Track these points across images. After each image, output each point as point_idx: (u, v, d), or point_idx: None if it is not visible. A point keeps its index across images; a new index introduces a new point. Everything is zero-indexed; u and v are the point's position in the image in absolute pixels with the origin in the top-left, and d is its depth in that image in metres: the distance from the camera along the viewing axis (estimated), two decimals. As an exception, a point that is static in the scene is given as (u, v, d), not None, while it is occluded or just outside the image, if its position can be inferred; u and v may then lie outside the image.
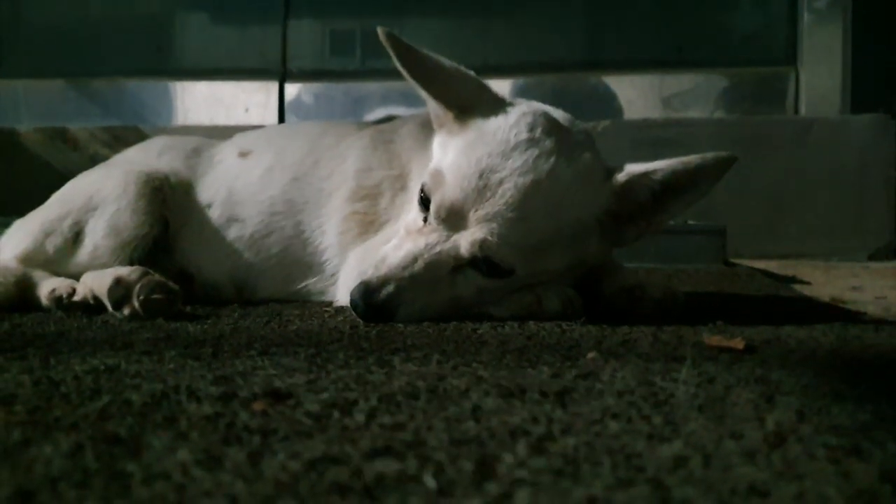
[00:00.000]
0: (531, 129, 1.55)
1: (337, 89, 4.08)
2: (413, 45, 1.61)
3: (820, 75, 3.67)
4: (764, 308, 1.86)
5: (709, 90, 3.84)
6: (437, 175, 1.56)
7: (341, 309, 1.76)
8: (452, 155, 1.57)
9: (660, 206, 1.59)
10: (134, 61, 4.18)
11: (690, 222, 2.92)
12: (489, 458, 0.67)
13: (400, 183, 1.92)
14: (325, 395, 0.89)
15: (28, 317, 1.68)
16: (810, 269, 3.03)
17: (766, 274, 2.67)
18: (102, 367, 1.09)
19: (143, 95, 4.11)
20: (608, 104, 3.88)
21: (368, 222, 1.90)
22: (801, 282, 2.71)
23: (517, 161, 1.51)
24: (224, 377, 1.01)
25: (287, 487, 0.60)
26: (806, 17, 3.69)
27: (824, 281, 2.75)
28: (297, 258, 1.96)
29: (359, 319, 1.55)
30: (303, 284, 1.96)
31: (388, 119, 2.15)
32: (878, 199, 3.46)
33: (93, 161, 3.74)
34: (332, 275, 1.94)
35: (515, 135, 1.54)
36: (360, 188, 1.93)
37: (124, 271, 1.71)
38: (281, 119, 4.05)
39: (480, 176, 1.50)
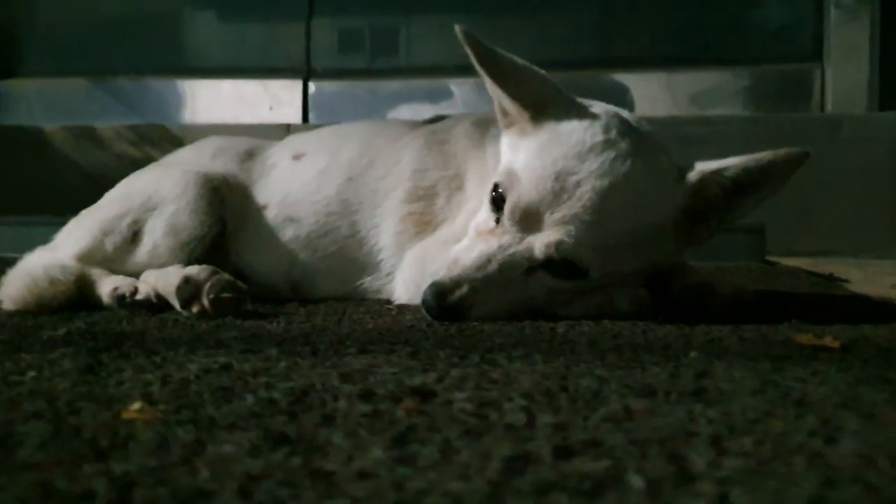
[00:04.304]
0: (606, 130, 1.55)
1: (361, 87, 4.08)
2: (489, 44, 1.62)
3: (847, 72, 3.68)
4: (826, 306, 1.87)
5: (735, 87, 3.85)
6: (511, 176, 1.56)
7: (403, 307, 1.77)
8: (525, 156, 1.57)
9: (732, 203, 1.60)
10: (158, 60, 4.17)
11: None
12: (677, 457, 0.68)
13: (456, 183, 1.92)
14: (465, 394, 0.90)
15: (96, 315, 1.68)
16: (844, 267, 3.04)
17: (806, 272, 2.68)
18: (216, 366, 1.09)
19: (168, 94, 4.10)
20: (634, 102, 3.89)
21: (425, 222, 1.91)
22: (840, 279, 2.72)
23: (593, 163, 1.51)
24: (347, 374, 1.02)
25: (501, 487, 0.61)
26: (833, 14, 3.70)
27: (862, 278, 2.76)
28: (353, 257, 1.96)
29: (428, 317, 1.55)
30: (358, 283, 1.97)
31: (438, 119, 2.15)
32: (907, 197, 3.48)
33: (119, 159, 3.75)
34: (388, 274, 1.94)
35: (591, 136, 1.54)
36: (416, 189, 1.93)
37: (193, 270, 1.72)
38: (305, 117, 4.05)
39: (556, 178, 1.50)
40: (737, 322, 1.51)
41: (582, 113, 1.60)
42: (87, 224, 1.97)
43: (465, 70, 3.97)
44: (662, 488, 0.61)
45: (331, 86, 4.09)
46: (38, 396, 0.93)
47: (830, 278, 2.74)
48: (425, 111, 3.96)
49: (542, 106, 1.60)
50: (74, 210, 3.27)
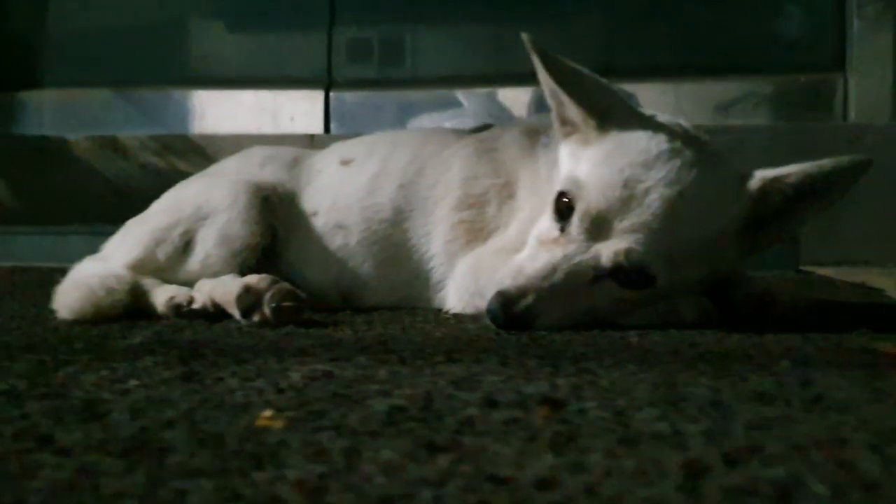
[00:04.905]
0: (671, 139, 1.56)
1: (382, 97, 4.08)
2: (554, 54, 1.63)
3: (870, 82, 3.69)
4: (879, 314, 1.87)
5: (756, 96, 3.86)
6: (578, 184, 1.56)
7: (461, 316, 1.77)
8: (590, 165, 1.58)
9: (793, 211, 1.60)
10: (180, 70, 4.17)
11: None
12: (846, 463, 0.68)
13: (507, 191, 1.92)
14: (593, 403, 0.90)
15: (156, 325, 1.68)
16: (873, 276, 3.04)
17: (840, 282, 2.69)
18: (318, 374, 1.09)
19: (190, 104, 4.10)
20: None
21: (476, 230, 1.91)
22: (872, 288, 2.72)
23: (661, 171, 1.51)
24: (456, 382, 1.02)
25: (692, 493, 0.61)
26: (856, 24, 3.72)
27: (895, 287, 2.76)
28: (404, 265, 1.96)
29: (492, 326, 1.55)
30: (408, 291, 1.97)
31: (485, 127, 2.15)
32: (931, 206, 3.48)
33: (143, 169, 3.75)
34: (438, 282, 1.94)
35: (656, 145, 1.55)
36: (466, 196, 1.93)
37: (252, 279, 1.72)
38: (326, 128, 4.05)
39: (625, 186, 1.51)
40: (802, 331, 1.51)
41: (645, 122, 1.61)
42: (137, 234, 1.97)
43: (482, 80, 4.00)
44: (850, 495, 0.61)
45: (352, 96, 4.09)
46: (156, 405, 0.93)
47: (863, 287, 2.74)
48: (447, 121, 3.97)
49: (606, 114, 1.61)
50: (99, 219, 3.27)
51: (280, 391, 0.98)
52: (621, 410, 0.87)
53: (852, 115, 3.74)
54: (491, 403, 0.90)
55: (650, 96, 3.93)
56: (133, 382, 1.06)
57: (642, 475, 0.65)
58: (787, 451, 0.71)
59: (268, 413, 0.86)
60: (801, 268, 3.07)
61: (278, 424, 0.82)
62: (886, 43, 3.67)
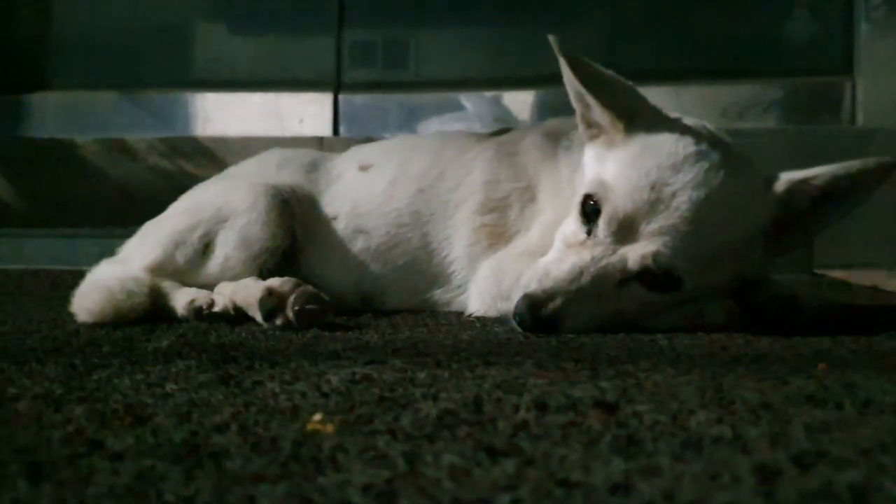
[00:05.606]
0: (698, 141, 1.56)
1: (391, 101, 4.07)
2: (580, 56, 1.62)
3: (878, 85, 3.68)
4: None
5: (764, 100, 3.85)
6: (604, 187, 1.56)
7: (485, 320, 1.76)
8: (616, 167, 1.57)
9: (819, 213, 1.60)
10: (188, 72, 4.16)
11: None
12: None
13: (528, 195, 1.92)
14: (645, 406, 0.89)
15: (178, 328, 1.67)
16: (884, 279, 3.04)
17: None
18: (358, 377, 1.08)
19: (198, 106, 4.09)
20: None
21: (498, 234, 1.90)
22: (886, 291, 2.71)
23: (688, 174, 1.51)
24: (500, 385, 1.01)
25: (768, 497, 0.60)
26: (864, 27, 3.70)
27: (907, 290, 2.75)
28: (424, 269, 1.96)
29: (519, 329, 1.55)
30: (428, 295, 1.96)
31: (504, 131, 2.15)
32: (938, 209, 3.47)
33: (151, 172, 3.73)
34: (459, 286, 1.94)
35: (683, 147, 1.54)
36: (488, 200, 1.93)
37: (275, 282, 1.71)
38: (335, 130, 4.03)
39: (652, 188, 1.50)
40: (829, 334, 1.50)
41: (672, 124, 1.61)
42: (156, 237, 1.96)
43: (492, 83, 3.99)
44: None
45: (361, 99, 4.07)
46: (201, 409, 0.92)
47: (876, 290, 2.73)
48: (456, 124, 3.96)
49: (632, 117, 1.61)
50: (108, 222, 3.24)
51: (324, 395, 0.97)
52: (675, 414, 0.86)
53: (860, 118, 3.73)
54: (541, 407, 0.89)
55: (655, 100, 3.90)
56: (171, 386, 1.05)
57: (715, 479, 0.64)
58: (854, 454, 0.71)
59: (318, 417, 0.85)
60: (815, 271, 3.06)
61: (330, 429, 0.81)
62: (895, 46, 3.66)
